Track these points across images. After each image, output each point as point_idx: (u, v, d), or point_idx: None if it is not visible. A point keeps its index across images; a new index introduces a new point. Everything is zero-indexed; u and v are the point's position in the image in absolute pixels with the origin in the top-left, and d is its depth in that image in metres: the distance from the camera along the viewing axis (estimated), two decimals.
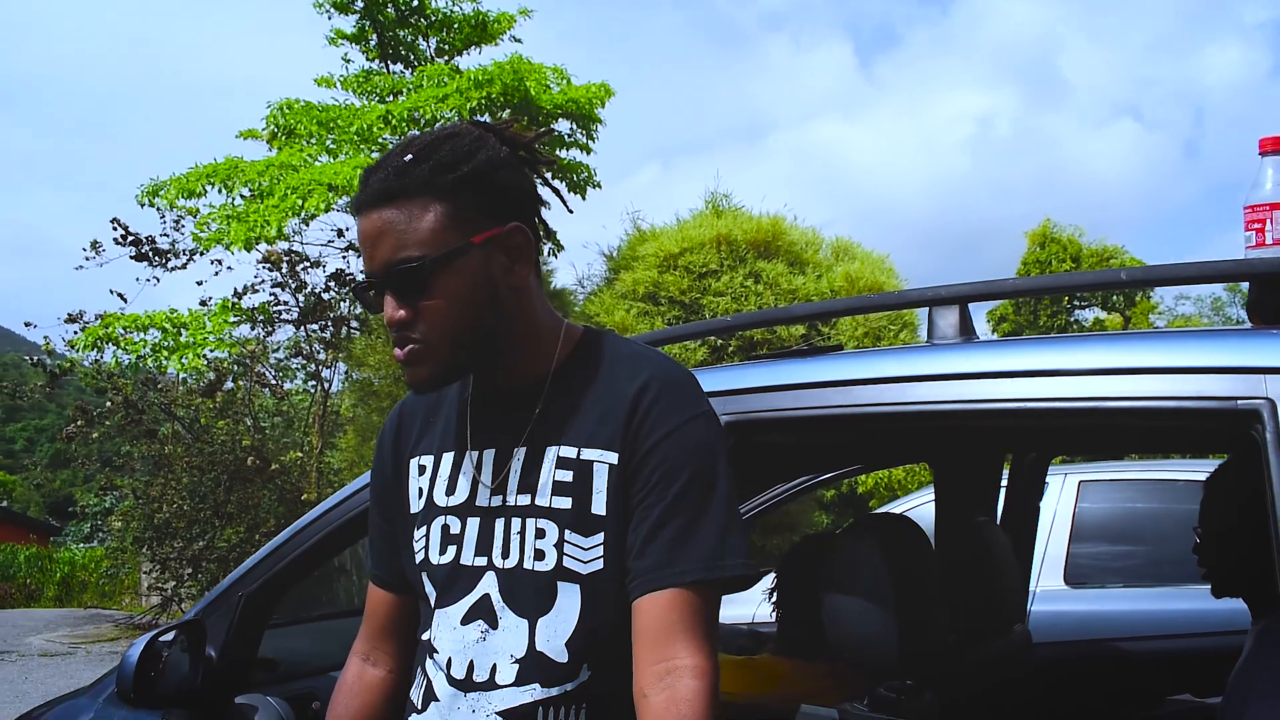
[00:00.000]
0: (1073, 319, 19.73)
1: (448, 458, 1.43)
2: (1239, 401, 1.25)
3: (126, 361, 10.40)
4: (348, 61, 12.79)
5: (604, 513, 1.30)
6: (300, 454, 12.22)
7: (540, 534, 1.32)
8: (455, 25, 12.38)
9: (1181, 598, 3.92)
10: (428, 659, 1.41)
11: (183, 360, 9.75)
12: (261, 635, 2.33)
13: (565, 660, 1.31)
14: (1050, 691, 2.57)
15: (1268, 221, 1.43)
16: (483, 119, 1.44)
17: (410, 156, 1.29)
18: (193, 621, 2.23)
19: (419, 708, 1.41)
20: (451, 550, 1.39)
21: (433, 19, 12.34)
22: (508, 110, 11.35)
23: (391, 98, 11.87)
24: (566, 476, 1.32)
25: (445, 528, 1.40)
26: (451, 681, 1.36)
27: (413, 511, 1.46)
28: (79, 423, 11.05)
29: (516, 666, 1.32)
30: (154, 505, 11.14)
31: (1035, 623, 4.12)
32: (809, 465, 2.95)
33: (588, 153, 12.27)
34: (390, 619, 1.54)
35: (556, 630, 1.31)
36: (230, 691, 2.23)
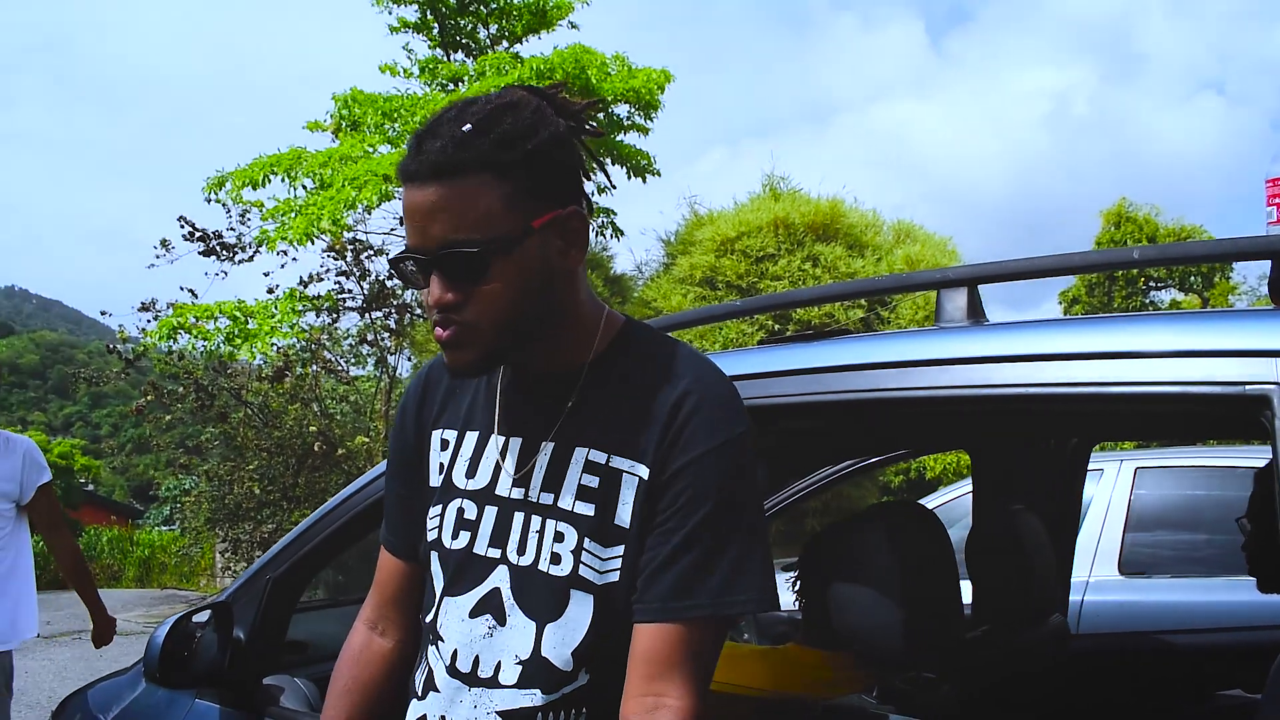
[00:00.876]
0: (1148, 300, 19.18)
1: (471, 437, 1.37)
2: (1247, 386, 1.19)
3: (201, 348, 10.70)
4: (410, 51, 12.95)
5: (628, 525, 1.25)
6: (367, 439, 12.43)
7: (559, 537, 1.27)
8: (515, 13, 12.44)
9: (1241, 589, 3.79)
10: (430, 646, 1.38)
11: (252, 348, 9.97)
12: (289, 618, 2.36)
13: (570, 669, 1.27)
14: (1085, 684, 2.50)
15: None
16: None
17: (469, 126, 1.20)
18: (220, 604, 2.27)
19: (419, 694, 1.38)
20: (465, 536, 1.34)
21: (492, 6, 12.41)
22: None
23: (453, 86, 11.97)
24: (593, 482, 1.27)
25: (461, 511, 1.36)
26: (454, 673, 1.33)
27: (431, 485, 1.41)
28: (149, 397, 11.41)
29: (520, 668, 1.29)
30: (225, 488, 11.44)
31: (1087, 613, 4.04)
32: (841, 450, 2.90)
33: (645, 134, 12.28)
34: (401, 588, 1.49)
35: (564, 639, 1.27)
36: (259, 672, 2.27)
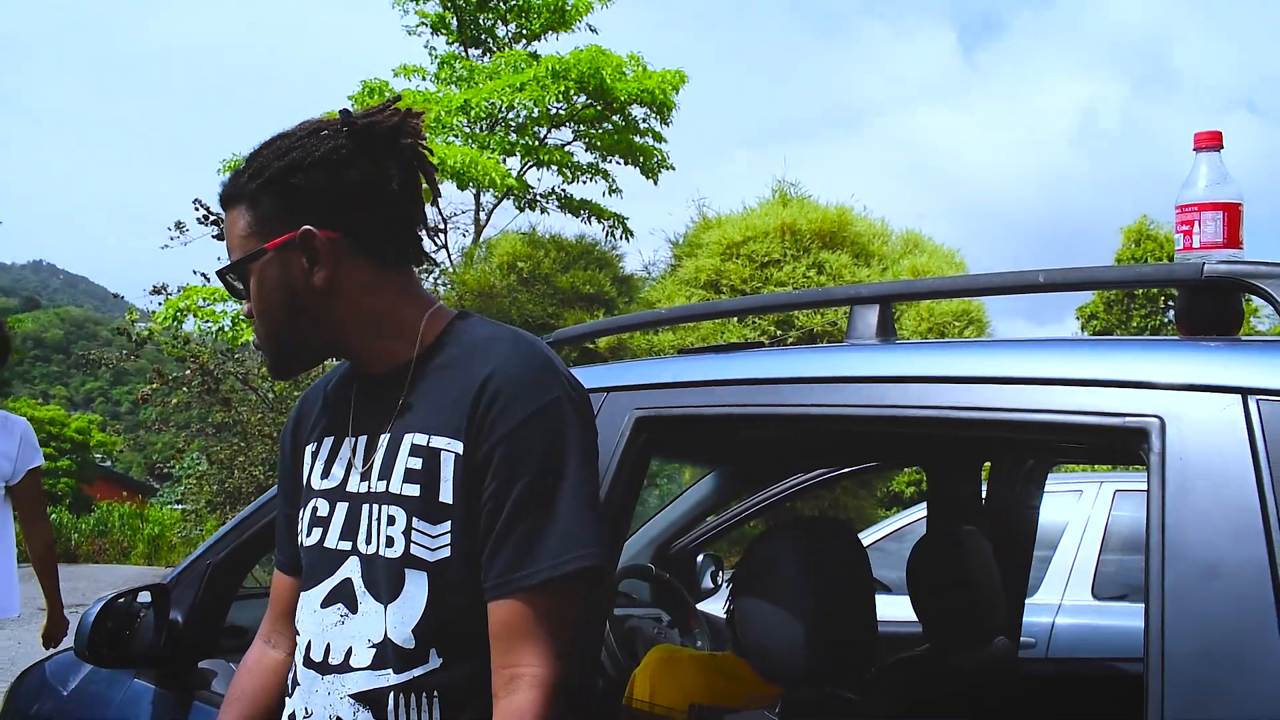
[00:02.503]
0: (1167, 320, 19.02)
1: (328, 442, 1.46)
2: (1127, 418, 1.17)
3: (208, 328, 10.78)
4: (430, 49, 13.02)
5: (451, 501, 1.30)
6: None
7: (391, 520, 1.33)
8: (534, 11, 12.47)
9: None
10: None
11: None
12: (228, 603, 2.38)
13: (413, 646, 1.31)
14: (1025, 709, 2.48)
15: (1196, 223, 1.34)
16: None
17: (244, 162, 1.38)
18: (156, 586, 2.30)
19: (290, 693, 1.44)
20: (318, 533, 1.41)
21: (511, 3, 12.45)
22: (583, 98, 11.43)
23: (469, 84, 12.03)
24: (417, 464, 1.32)
25: (315, 510, 1.43)
26: (309, 663, 1.39)
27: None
28: (154, 385, 11.50)
29: (373, 651, 1.33)
30: (226, 471, 11.51)
31: (1059, 637, 4.00)
32: (787, 464, 2.89)
33: (660, 139, 12.30)
34: (291, 603, 1.55)
35: (404, 617, 1.31)
36: (194, 656, 2.29)
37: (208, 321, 10.58)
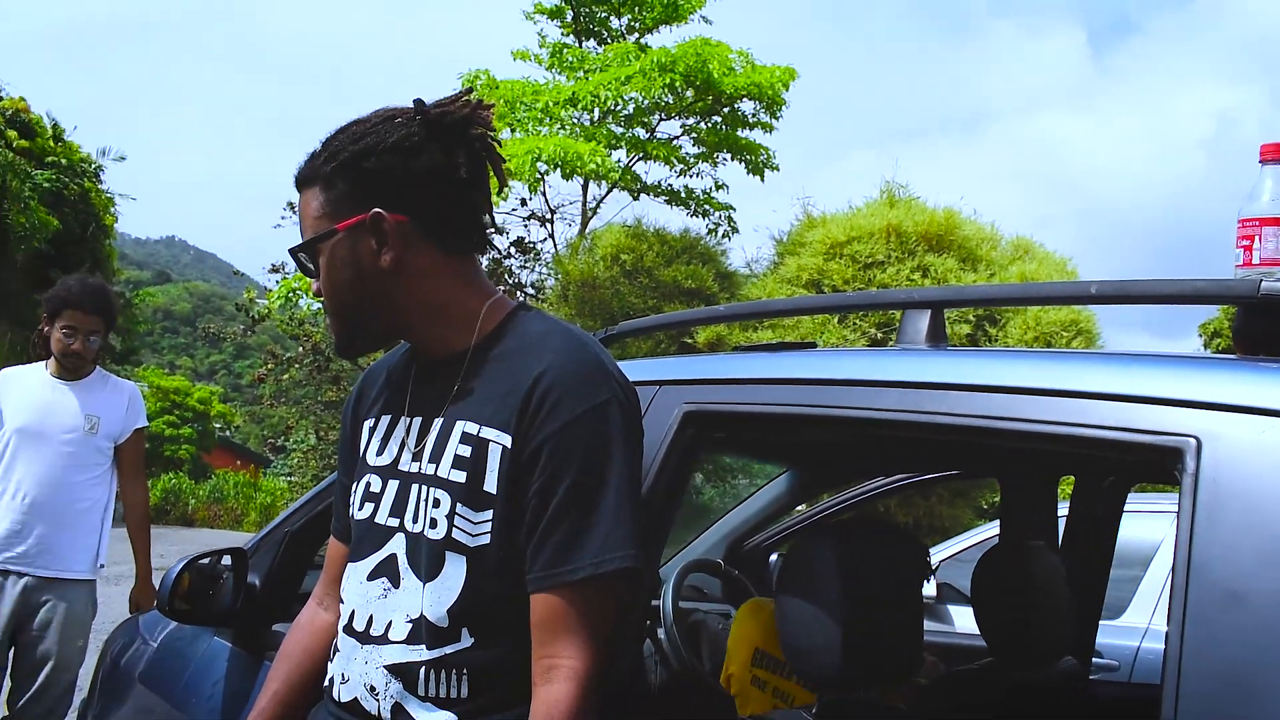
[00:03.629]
0: None
1: (385, 420, 1.51)
2: (1164, 436, 1.15)
3: (318, 308, 11.18)
4: (543, 38, 13.20)
5: (494, 491, 1.34)
6: None
7: (436, 503, 1.38)
8: (647, 3, 12.52)
9: None
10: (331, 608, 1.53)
11: None
12: (304, 570, 2.48)
13: (446, 625, 1.36)
14: None
15: (1256, 238, 1.29)
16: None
17: (319, 146, 1.44)
18: (236, 549, 2.41)
19: (331, 657, 1.51)
20: (369, 508, 1.47)
21: None
22: (690, 92, 11.44)
23: (581, 74, 12.16)
24: (466, 451, 1.36)
25: (368, 485, 1.49)
26: (350, 632, 1.45)
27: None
28: (269, 366, 11.97)
29: (409, 626, 1.38)
30: (332, 446, 11.92)
31: (1142, 661, 3.86)
32: (860, 466, 2.87)
33: (769, 131, 12.23)
34: (342, 569, 1.60)
35: (440, 597, 1.36)
36: (270, 618, 2.40)
37: (318, 302, 10.97)
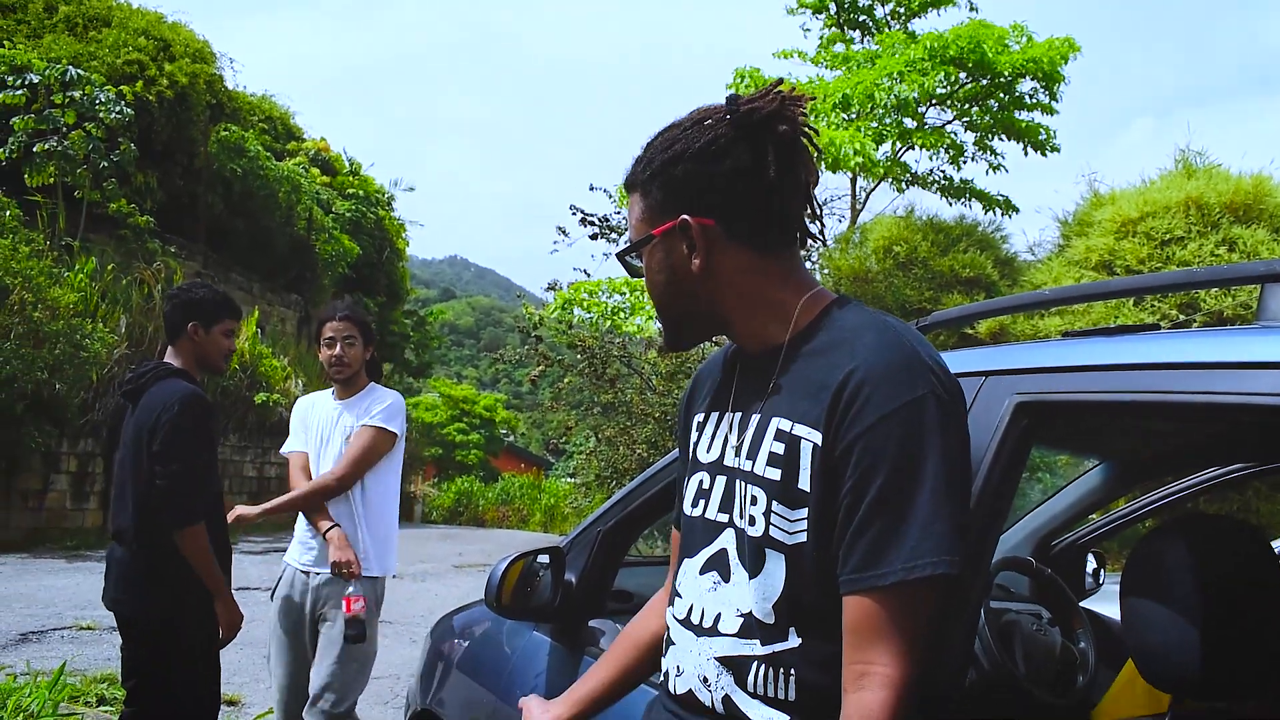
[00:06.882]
0: None
1: (713, 416, 1.54)
2: None
3: (590, 319, 11.66)
4: (806, 31, 13.12)
5: (808, 489, 1.32)
6: None
7: (754, 500, 1.38)
8: None
9: None
10: (670, 606, 1.55)
11: (636, 322, 10.68)
12: (616, 568, 2.56)
13: (772, 622, 1.36)
14: None
15: None
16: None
17: (641, 150, 1.50)
18: (553, 549, 2.52)
19: (664, 651, 1.55)
20: (701, 504, 1.50)
21: None
22: (963, 74, 10.99)
23: (845, 69, 11.98)
24: (779, 449, 1.36)
25: (700, 482, 1.52)
26: (685, 624, 1.48)
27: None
28: (541, 368, 12.59)
29: (740, 620, 1.40)
30: (612, 449, 12.34)
31: None
32: (1200, 457, 2.62)
33: (1050, 113, 11.54)
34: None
35: (764, 593, 1.36)
36: (585, 615, 2.50)
37: (590, 313, 11.43)
